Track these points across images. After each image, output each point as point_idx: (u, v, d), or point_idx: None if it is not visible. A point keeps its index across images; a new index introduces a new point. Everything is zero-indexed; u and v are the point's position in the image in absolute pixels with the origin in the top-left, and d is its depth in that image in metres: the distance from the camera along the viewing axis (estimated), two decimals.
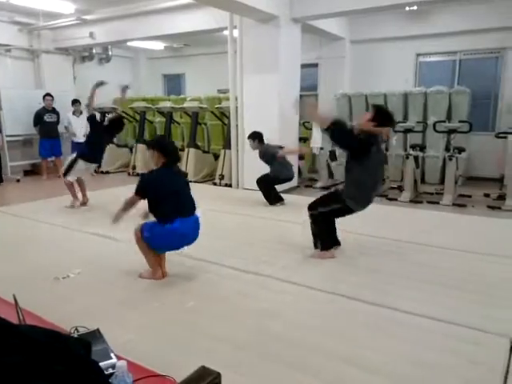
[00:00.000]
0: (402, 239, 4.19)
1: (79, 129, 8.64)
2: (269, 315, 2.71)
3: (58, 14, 7.99)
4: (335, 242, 3.81)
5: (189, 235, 3.22)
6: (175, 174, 3.27)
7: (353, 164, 3.51)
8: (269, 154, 5.82)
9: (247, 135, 5.99)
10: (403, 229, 4.59)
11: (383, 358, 2.23)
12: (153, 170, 3.22)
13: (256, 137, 5.84)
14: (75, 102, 8.64)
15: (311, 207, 3.72)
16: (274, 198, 5.89)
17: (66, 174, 5.60)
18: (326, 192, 4.18)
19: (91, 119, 5.60)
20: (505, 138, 6.31)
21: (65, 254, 3.88)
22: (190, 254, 3.63)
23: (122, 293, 3.04)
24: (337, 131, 3.38)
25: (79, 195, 5.88)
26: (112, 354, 1.76)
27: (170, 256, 3.42)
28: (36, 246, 4.14)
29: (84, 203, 5.87)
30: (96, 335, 1.89)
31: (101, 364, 1.55)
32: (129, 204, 3.20)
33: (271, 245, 4.10)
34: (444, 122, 6.95)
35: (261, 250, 3.97)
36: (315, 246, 3.78)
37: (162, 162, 3.16)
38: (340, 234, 3.82)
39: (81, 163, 5.59)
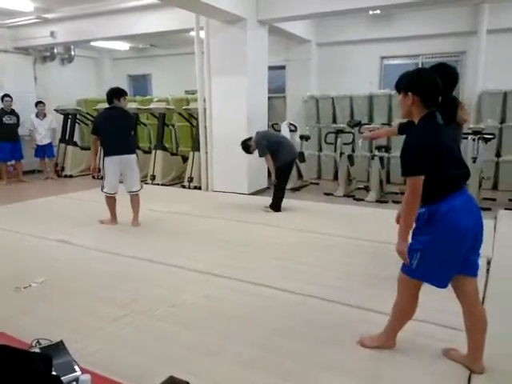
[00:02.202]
0: (377, 239, 4.21)
1: (43, 132, 8.35)
2: (241, 319, 2.69)
3: (16, 12, 7.69)
4: None
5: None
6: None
7: None
8: (274, 143, 5.41)
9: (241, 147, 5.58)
10: (375, 228, 4.67)
11: (351, 355, 2.26)
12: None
13: (246, 146, 5.51)
14: (39, 103, 8.34)
15: None
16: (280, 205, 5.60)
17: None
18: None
19: None
20: (465, 138, 6.53)
21: (27, 263, 3.71)
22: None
23: (88, 302, 2.94)
24: None
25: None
26: (76, 367, 1.71)
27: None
28: None
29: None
30: (59, 347, 1.84)
31: (63, 378, 1.50)
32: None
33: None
34: None
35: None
36: None
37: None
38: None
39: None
